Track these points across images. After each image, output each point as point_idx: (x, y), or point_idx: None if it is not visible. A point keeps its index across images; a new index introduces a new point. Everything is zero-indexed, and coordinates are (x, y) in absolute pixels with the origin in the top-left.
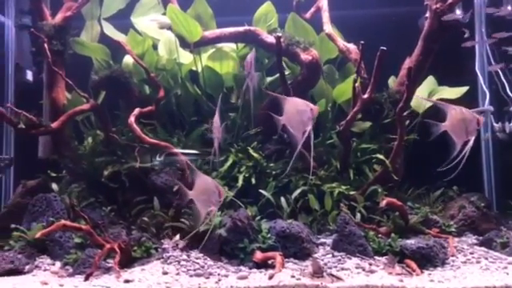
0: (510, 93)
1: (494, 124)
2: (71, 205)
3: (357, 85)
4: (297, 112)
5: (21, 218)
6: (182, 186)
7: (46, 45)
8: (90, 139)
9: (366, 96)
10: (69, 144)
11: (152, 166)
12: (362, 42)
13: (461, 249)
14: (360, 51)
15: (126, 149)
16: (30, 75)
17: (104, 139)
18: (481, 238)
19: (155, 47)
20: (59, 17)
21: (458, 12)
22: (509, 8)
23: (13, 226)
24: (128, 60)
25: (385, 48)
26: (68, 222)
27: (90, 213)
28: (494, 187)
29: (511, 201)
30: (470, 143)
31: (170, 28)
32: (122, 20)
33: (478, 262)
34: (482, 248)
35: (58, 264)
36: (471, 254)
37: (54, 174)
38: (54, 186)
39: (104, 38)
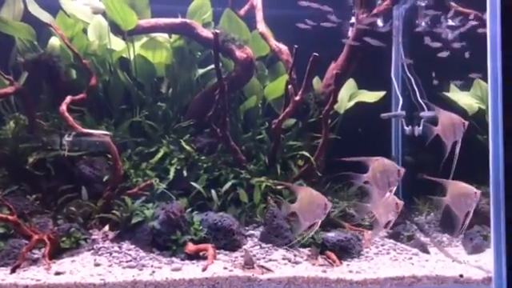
0: (419, 99)
1: (405, 127)
2: None
3: (290, 87)
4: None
5: None
6: (285, 202)
7: None
8: (11, 123)
9: (297, 98)
10: None
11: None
12: (296, 46)
13: (373, 241)
14: (293, 55)
15: (51, 135)
16: None
17: (28, 124)
18: (390, 231)
19: (84, 31)
20: None
21: (379, 22)
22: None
23: None
24: (54, 42)
25: (317, 54)
26: None
27: (13, 201)
28: (401, 185)
29: (415, 197)
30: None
31: (103, 13)
32: None
33: (388, 254)
34: (391, 240)
35: None
36: (382, 245)
37: None
38: None
39: (26, 17)
